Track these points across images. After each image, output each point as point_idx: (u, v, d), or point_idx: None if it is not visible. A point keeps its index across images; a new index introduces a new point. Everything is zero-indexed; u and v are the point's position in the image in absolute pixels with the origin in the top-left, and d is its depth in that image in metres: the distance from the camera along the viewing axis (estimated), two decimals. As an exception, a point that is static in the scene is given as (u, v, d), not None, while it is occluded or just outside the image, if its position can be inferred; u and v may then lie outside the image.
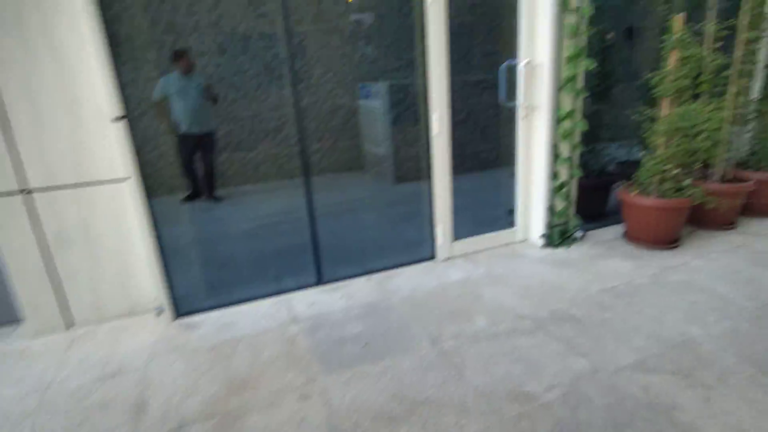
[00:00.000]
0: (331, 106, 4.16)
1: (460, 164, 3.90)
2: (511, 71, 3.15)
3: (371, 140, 4.24)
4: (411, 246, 3.30)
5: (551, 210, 3.24)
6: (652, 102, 3.45)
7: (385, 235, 3.67)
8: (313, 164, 3.05)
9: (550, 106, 3.06)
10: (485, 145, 4.11)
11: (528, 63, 3.07)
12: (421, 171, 3.16)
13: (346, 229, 3.63)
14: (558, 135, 3.13)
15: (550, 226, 3.27)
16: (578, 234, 3.39)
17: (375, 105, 4.07)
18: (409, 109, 3.81)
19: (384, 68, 4.22)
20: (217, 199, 3.65)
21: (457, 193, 3.20)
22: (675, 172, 3.29)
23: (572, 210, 3.33)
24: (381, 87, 4.00)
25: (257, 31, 3.62)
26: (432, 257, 3.17)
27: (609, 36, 4.13)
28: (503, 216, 3.51)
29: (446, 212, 3.09)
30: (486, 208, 3.73)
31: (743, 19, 3.46)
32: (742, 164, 4.06)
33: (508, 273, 2.96)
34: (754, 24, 3.46)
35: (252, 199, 3.77)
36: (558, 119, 3.10)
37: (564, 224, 3.30)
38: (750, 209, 3.91)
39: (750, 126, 4.06)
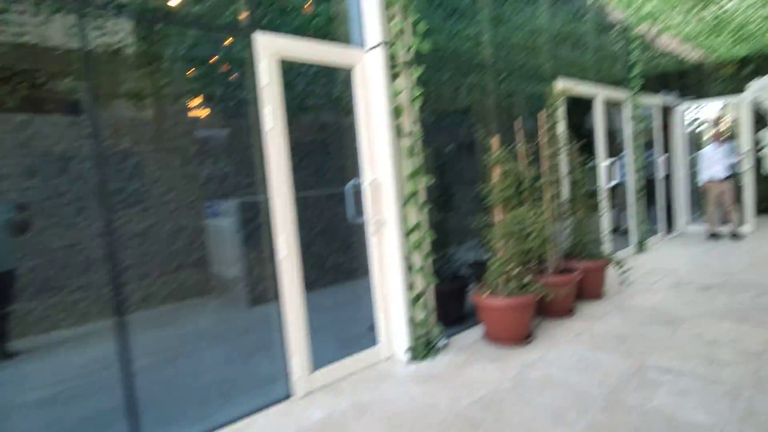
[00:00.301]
0: (173, 228, 3.79)
1: (320, 278, 3.74)
2: (358, 189, 3.26)
3: (222, 261, 3.92)
4: (266, 384, 2.93)
5: (412, 321, 3.23)
6: (488, 210, 3.84)
7: (234, 373, 3.24)
8: (148, 295, 2.61)
9: (398, 220, 3.19)
10: (345, 257, 4.08)
11: (372, 181, 3.21)
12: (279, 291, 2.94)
13: (185, 373, 3.12)
14: (409, 246, 3.23)
15: (414, 338, 3.23)
16: (442, 343, 3.41)
17: (225, 224, 3.84)
18: (261, 226, 3.67)
19: (235, 185, 4.07)
20: (10, 355, 2.89)
21: (317, 311, 3.02)
22: (516, 270, 3.59)
23: (433, 318, 3.37)
24: (231, 205, 3.81)
25: (73, 151, 3.23)
26: (288, 396, 2.83)
27: (447, 149, 4.65)
28: (366, 333, 3.39)
29: (301, 341, 2.85)
30: (348, 325, 3.59)
31: (543, 138, 4.19)
32: (568, 255, 4.68)
33: (375, 401, 2.76)
34: (552, 143, 4.21)
35: (58, 352, 3.06)
36: (407, 232, 3.22)
37: (427, 334, 3.30)
38: (582, 294, 4.43)
39: (567, 223, 4.77)
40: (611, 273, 4.79)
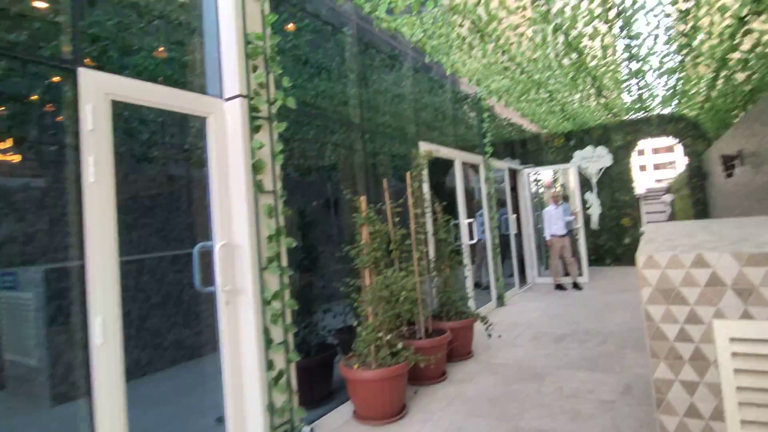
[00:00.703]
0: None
1: (157, 359, 3.13)
2: (208, 254, 2.85)
3: (18, 347, 3.06)
4: None
5: (271, 409, 2.81)
6: (356, 273, 3.69)
7: None
8: None
9: (255, 289, 2.83)
10: (190, 331, 3.51)
11: (226, 244, 2.84)
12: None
13: None
14: (268, 319, 2.87)
15: (272, 429, 2.80)
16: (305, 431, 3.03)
17: (24, 298, 3.03)
18: (74, 302, 2.96)
19: (43, 248, 3.30)
20: None
21: (151, 403, 2.44)
22: (388, 338, 3.44)
23: (295, 401, 2.99)
24: (35, 274, 3.04)
25: None
26: None
27: (313, 208, 4.45)
28: (213, 427, 2.86)
29: (125, 451, 2.24)
30: (191, 418, 3.01)
31: (410, 198, 4.27)
32: (437, 316, 4.72)
33: None
34: (418, 203, 4.31)
35: None
36: (265, 301, 2.88)
37: (288, 422, 2.90)
38: (452, 354, 4.45)
39: (434, 282, 4.86)
40: (478, 329, 4.95)
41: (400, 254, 4.08)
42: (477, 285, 7.72)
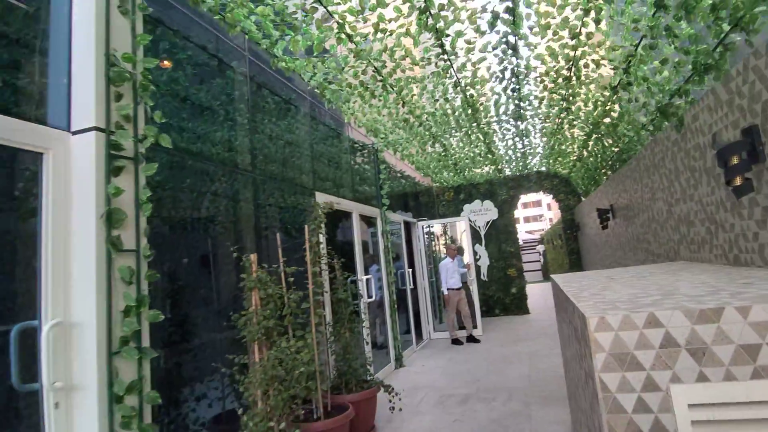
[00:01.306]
0: None
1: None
2: (31, 338, 2.12)
3: None
4: None
5: None
6: (242, 346, 3.12)
7: None
8: None
9: (101, 382, 2.15)
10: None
11: (59, 324, 2.14)
12: None
13: None
14: (117, 422, 2.19)
15: None
16: None
17: None
18: None
19: None
20: None
21: None
22: (281, 426, 2.89)
23: None
24: None
25: None
26: None
27: (187, 269, 3.79)
28: None
29: None
30: None
31: (308, 255, 3.86)
32: (336, 387, 4.24)
33: None
34: (316, 261, 3.91)
35: None
36: (115, 399, 2.19)
37: None
38: (354, 430, 3.96)
39: (332, 349, 4.40)
40: (380, 397, 4.55)
41: (296, 320, 3.60)
42: (374, 345, 7.38)
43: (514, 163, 10.20)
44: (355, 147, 7.09)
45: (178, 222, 3.25)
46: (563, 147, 7.77)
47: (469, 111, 5.57)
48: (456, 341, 8.21)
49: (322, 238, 4.35)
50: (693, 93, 2.94)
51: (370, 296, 6.02)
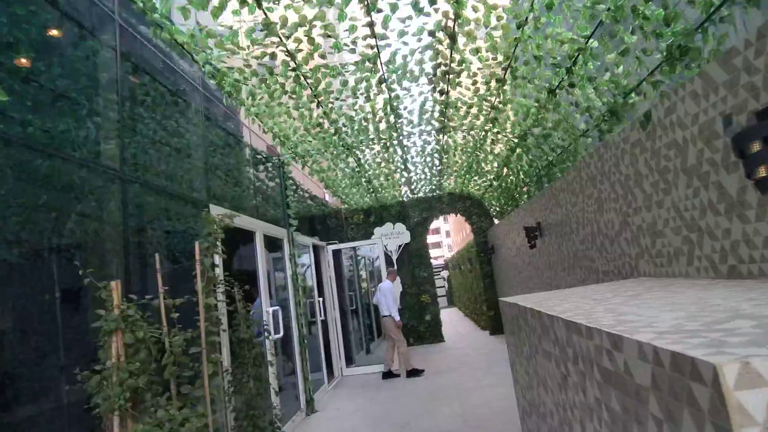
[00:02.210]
0: None
1: None
2: None
3: None
4: None
5: None
6: (96, 420, 2.14)
7: None
8: None
9: None
10: None
11: None
12: None
13: None
14: None
15: None
16: None
17: None
18: None
19: None
20: None
21: None
22: None
23: None
24: None
25: None
26: None
27: (26, 300, 2.68)
28: None
29: None
30: None
31: (199, 283, 2.96)
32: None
33: None
34: (210, 289, 3.02)
35: None
36: None
37: None
38: None
39: (232, 404, 3.46)
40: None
41: (181, 372, 2.67)
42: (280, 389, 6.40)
43: (428, 183, 9.99)
44: (258, 158, 6.24)
45: (11, 243, 2.20)
46: (482, 165, 7.66)
47: (392, 117, 5.08)
48: (390, 375, 7.52)
49: (218, 260, 3.47)
50: (664, 85, 2.72)
51: (277, 332, 5.13)
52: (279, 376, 5.64)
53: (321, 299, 7.63)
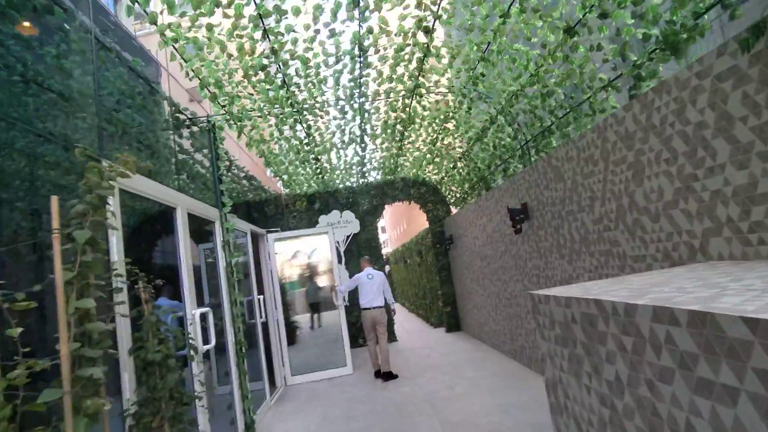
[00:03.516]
0: None
1: None
2: None
3: None
4: None
5: None
6: None
7: None
8: None
9: None
10: None
11: None
12: None
13: None
14: None
15: None
16: None
17: None
18: None
19: None
20: None
21: None
22: None
23: None
24: None
25: None
26: None
27: None
28: None
29: None
30: None
31: (57, 268, 1.66)
32: None
33: None
34: (84, 282, 1.74)
35: None
36: None
37: None
38: None
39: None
40: None
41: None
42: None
43: (385, 163, 8.91)
44: (182, 118, 4.83)
45: None
46: (452, 138, 6.71)
47: (357, 68, 3.93)
48: (379, 373, 6.51)
49: (115, 240, 2.16)
50: None
51: (207, 341, 3.82)
52: (209, 401, 4.29)
53: (261, 297, 6.30)
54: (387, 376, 6.35)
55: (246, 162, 9.04)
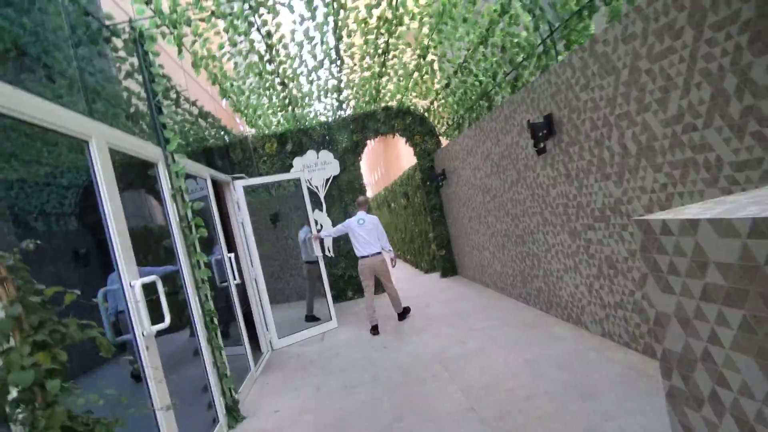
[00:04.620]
0: None
1: None
2: None
3: None
4: None
5: None
6: None
7: None
8: None
9: None
10: None
11: None
12: None
13: None
14: None
15: None
16: None
17: None
18: None
19: None
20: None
21: None
22: None
23: None
24: None
25: None
26: None
27: None
28: None
29: None
30: None
31: None
32: None
33: None
34: None
35: None
36: None
37: None
38: None
39: None
40: None
41: None
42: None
43: (365, 89, 7.71)
44: (96, 29, 3.57)
45: None
46: (447, 43, 5.57)
47: None
48: (375, 329, 5.82)
49: None
50: None
51: (160, 320, 2.84)
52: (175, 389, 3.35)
53: (232, 255, 5.29)
54: (403, 314, 6.11)
55: (204, 100, 7.70)
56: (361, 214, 6.08)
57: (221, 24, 4.56)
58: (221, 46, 4.89)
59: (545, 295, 4.93)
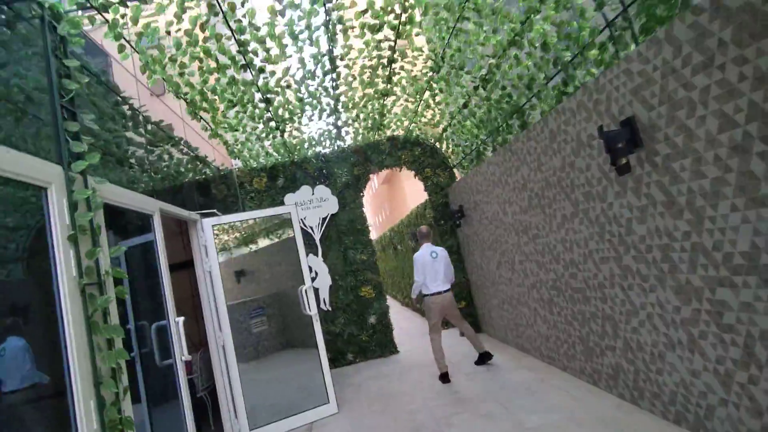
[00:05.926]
0: None
1: None
2: None
3: None
4: None
5: None
6: None
7: None
8: None
9: None
10: None
11: None
12: None
13: None
14: None
15: None
16: None
17: None
18: None
19: None
20: None
21: None
22: None
23: None
24: None
25: None
26: None
27: None
28: None
29: None
30: None
31: None
32: None
33: None
34: None
35: None
36: None
37: None
38: None
39: None
40: None
41: None
42: None
43: (367, 120, 6.54)
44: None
45: None
46: (462, 54, 4.39)
47: None
48: (445, 376, 5.06)
49: None
50: None
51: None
52: None
53: (180, 320, 3.87)
54: (484, 357, 5.39)
55: (198, 142, 6.52)
56: (428, 246, 5.31)
57: (173, 9, 3.38)
58: (177, 44, 3.69)
59: (630, 377, 3.43)
